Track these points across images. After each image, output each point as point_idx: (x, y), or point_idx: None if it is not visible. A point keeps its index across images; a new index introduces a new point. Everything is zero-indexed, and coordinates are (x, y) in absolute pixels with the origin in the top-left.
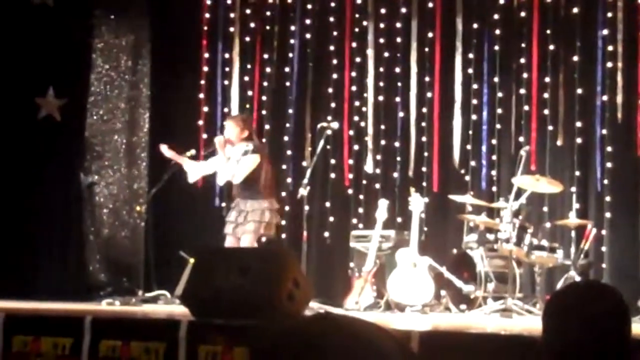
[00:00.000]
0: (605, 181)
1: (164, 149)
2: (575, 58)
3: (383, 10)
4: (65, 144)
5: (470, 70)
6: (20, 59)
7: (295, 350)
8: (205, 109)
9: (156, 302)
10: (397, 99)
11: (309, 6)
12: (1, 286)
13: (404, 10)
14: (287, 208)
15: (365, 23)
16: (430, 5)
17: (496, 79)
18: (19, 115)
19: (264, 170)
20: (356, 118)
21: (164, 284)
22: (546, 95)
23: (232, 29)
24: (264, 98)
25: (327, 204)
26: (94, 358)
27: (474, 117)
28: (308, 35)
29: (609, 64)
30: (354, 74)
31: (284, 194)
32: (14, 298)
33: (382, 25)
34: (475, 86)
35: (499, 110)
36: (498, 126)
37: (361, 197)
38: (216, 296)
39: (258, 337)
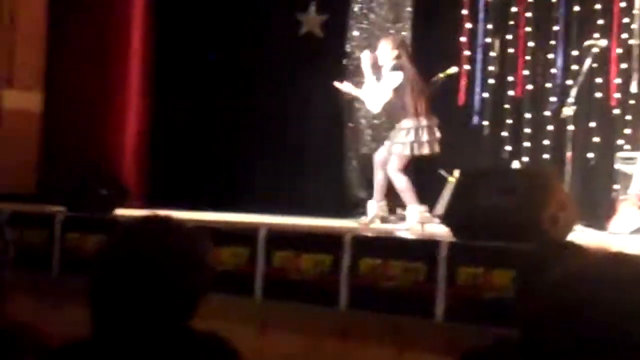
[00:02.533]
0: None
1: (339, 85)
2: None
3: None
4: (326, 60)
5: None
6: None
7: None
8: (468, 25)
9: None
10: None
11: None
12: (263, 201)
13: None
14: (550, 128)
15: None
16: None
17: None
18: (281, 31)
19: (408, 88)
20: (625, 35)
21: (423, 202)
22: None
23: None
24: (528, 14)
25: (592, 124)
26: (353, 276)
27: None
28: None
29: None
30: None
31: (547, 113)
32: (276, 214)
33: None
34: None
35: None
36: None
37: (628, 117)
38: (478, 216)
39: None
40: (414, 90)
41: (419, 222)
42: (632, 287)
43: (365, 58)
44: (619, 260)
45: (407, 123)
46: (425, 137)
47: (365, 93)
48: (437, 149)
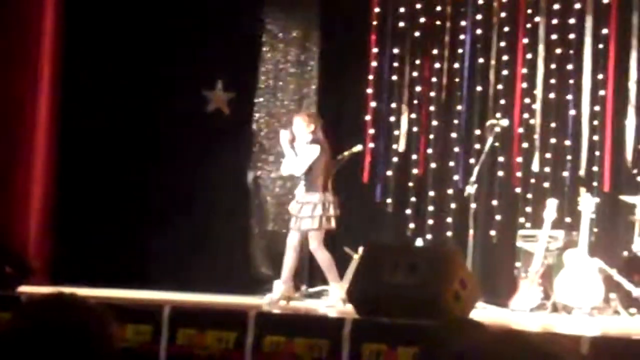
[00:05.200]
0: None
1: (283, 134)
2: None
3: (556, 6)
4: (233, 137)
5: None
6: (191, 52)
7: None
8: (373, 104)
9: (319, 297)
10: (569, 97)
11: (480, 1)
12: (168, 278)
13: (577, 5)
14: (453, 205)
15: (537, 19)
16: (606, 0)
17: None
18: (188, 108)
19: (322, 162)
20: (526, 115)
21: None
22: None
23: (401, 24)
24: (432, 94)
25: (494, 202)
26: (257, 353)
27: None
28: (479, 31)
29: None
30: (525, 70)
31: (450, 191)
32: (180, 290)
33: (554, 21)
34: None
35: None
36: None
37: (529, 196)
38: (381, 294)
39: (425, 338)
40: (326, 165)
41: (341, 300)
42: None
43: (283, 136)
44: (515, 337)
45: (314, 197)
46: (331, 211)
47: (285, 166)
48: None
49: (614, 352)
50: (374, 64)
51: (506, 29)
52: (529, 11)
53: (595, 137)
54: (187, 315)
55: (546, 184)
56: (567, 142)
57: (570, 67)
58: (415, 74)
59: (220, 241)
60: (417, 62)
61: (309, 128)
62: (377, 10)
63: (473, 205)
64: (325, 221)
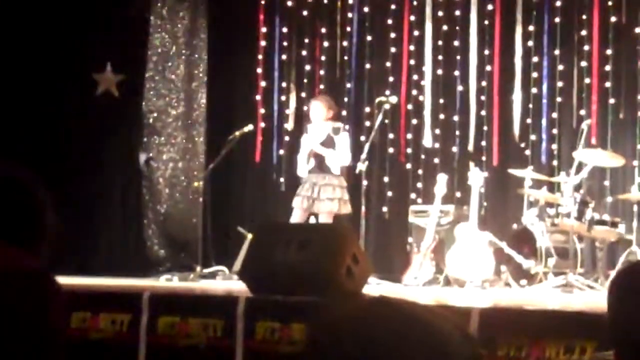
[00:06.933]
0: None
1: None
2: (638, 30)
3: None
4: (123, 119)
5: (530, 43)
6: (78, 35)
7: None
8: (263, 83)
9: (214, 278)
10: (456, 73)
11: None
12: (61, 263)
13: None
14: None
15: None
16: None
17: (557, 52)
18: (77, 92)
19: None
20: (414, 92)
21: (222, 260)
22: (608, 67)
23: (289, 3)
24: (322, 72)
25: (386, 179)
26: (152, 334)
27: (534, 90)
28: (366, 9)
29: None
30: (412, 47)
31: None
32: (73, 274)
33: None
34: (535, 59)
35: (560, 84)
36: (559, 99)
37: (420, 171)
38: (274, 271)
39: (316, 314)
40: None
41: None
42: (400, 330)
43: (306, 141)
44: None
45: (332, 180)
46: (347, 195)
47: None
48: None
49: (504, 322)
50: (263, 43)
51: (393, 6)
52: None
53: (483, 112)
54: (79, 299)
55: (436, 160)
56: (456, 118)
57: (456, 43)
58: (304, 53)
59: (114, 224)
60: (306, 41)
61: (328, 114)
62: None
63: (365, 182)
64: (343, 204)
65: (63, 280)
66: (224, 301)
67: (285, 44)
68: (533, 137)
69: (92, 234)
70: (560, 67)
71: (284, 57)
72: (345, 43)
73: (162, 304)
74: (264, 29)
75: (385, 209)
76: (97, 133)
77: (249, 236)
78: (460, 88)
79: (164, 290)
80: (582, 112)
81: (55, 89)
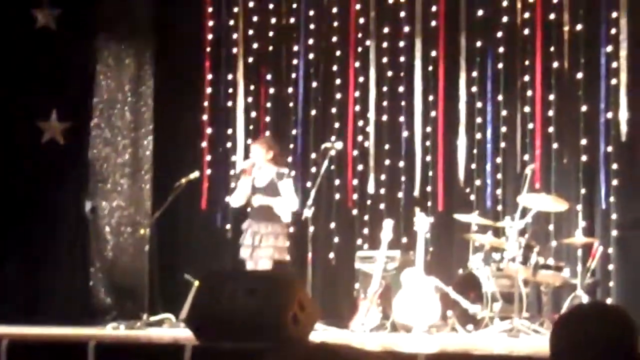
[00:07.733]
0: (611, 199)
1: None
2: (579, 75)
3: (386, 30)
4: (69, 167)
5: (474, 89)
6: (23, 83)
7: None
8: (209, 130)
9: (161, 325)
10: (401, 119)
11: (312, 26)
12: (5, 310)
13: (407, 29)
14: (291, 229)
15: (368, 42)
16: (434, 23)
17: (500, 97)
18: (22, 140)
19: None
20: (360, 138)
21: (169, 308)
22: (551, 112)
23: (235, 50)
24: (267, 119)
25: (332, 225)
26: None
27: (478, 135)
28: (311, 56)
29: (613, 81)
30: (357, 93)
31: None
32: (18, 323)
33: (385, 45)
34: (479, 104)
35: (504, 129)
36: (503, 144)
37: (366, 217)
38: (220, 319)
39: None
40: None
41: None
42: None
43: (247, 165)
44: (328, 352)
45: (275, 228)
46: (287, 242)
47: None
48: None
49: None
50: (208, 90)
51: (338, 53)
52: (359, 35)
53: (428, 158)
54: (25, 349)
55: (382, 205)
56: (401, 164)
57: (401, 89)
58: (250, 99)
59: (59, 272)
60: (252, 87)
61: (268, 155)
62: (210, 37)
63: (311, 229)
64: (283, 252)
65: (5, 329)
66: (171, 349)
67: (230, 90)
68: (478, 182)
69: (36, 282)
70: (504, 113)
71: (229, 103)
72: (290, 89)
73: (108, 353)
74: (209, 76)
75: (331, 254)
76: (43, 181)
77: (196, 283)
78: (405, 134)
79: (110, 339)
80: (526, 157)
81: (1, 138)
